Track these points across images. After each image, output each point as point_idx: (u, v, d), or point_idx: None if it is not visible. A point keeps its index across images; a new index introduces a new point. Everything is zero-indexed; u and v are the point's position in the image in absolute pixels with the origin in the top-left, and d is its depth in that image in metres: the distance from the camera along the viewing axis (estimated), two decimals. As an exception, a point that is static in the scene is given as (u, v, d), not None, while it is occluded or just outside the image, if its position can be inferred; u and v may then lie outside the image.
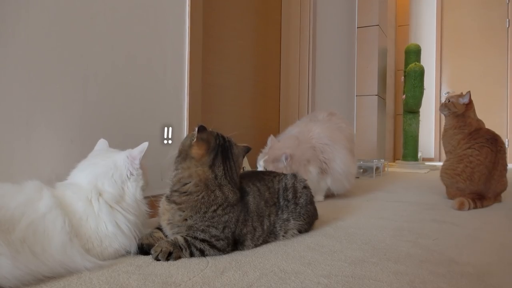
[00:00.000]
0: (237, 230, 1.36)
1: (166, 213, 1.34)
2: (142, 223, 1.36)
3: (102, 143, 1.44)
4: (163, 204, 1.37)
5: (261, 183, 1.53)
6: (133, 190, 1.34)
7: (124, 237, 1.26)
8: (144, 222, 1.38)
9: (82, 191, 1.24)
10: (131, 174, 1.35)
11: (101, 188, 1.27)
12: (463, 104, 2.77)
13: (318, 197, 2.64)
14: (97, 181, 1.27)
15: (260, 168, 2.39)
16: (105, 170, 1.31)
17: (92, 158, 1.36)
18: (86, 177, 1.28)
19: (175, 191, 1.34)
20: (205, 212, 1.30)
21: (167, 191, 1.38)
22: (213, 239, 1.30)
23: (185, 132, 2.15)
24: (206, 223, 1.30)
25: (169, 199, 1.35)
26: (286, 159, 2.33)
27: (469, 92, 2.77)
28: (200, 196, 1.31)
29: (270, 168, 2.32)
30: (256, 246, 1.42)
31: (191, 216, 1.30)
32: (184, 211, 1.31)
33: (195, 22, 2.23)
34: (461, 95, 2.81)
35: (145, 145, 1.38)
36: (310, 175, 2.48)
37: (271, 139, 2.51)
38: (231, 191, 1.36)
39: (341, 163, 2.65)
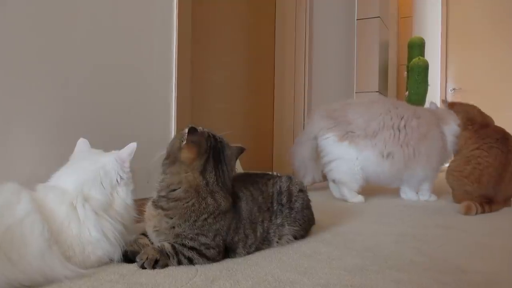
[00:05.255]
0: (228, 238, 1.36)
1: (152, 219, 1.33)
2: (128, 229, 1.36)
3: (83, 144, 1.43)
4: (149, 210, 1.36)
5: (254, 187, 1.53)
6: (123, 195, 1.34)
7: (109, 244, 1.26)
8: (130, 228, 1.38)
9: (66, 195, 1.24)
10: (121, 178, 1.35)
11: (87, 194, 1.26)
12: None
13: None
14: (83, 187, 1.27)
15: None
16: (93, 176, 1.30)
17: (78, 162, 1.35)
18: (72, 182, 1.27)
19: (163, 196, 1.33)
20: (195, 221, 1.29)
21: (153, 195, 1.37)
22: (202, 247, 1.29)
23: (172, 132, 2.15)
24: (196, 231, 1.29)
25: (156, 204, 1.34)
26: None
27: (443, 100, 3.02)
28: (190, 203, 1.30)
29: None
30: (248, 253, 1.42)
31: (180, 224, 1.29)
32: (171, 218, 1.30)
33: (184, 14, 2.22)
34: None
35: (133, 145, 1.38)
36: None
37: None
38: (223, 197, 1.36)
39: None
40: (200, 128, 1.38)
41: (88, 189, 1.27)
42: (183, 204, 1.30)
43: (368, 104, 2.97)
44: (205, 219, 1.31)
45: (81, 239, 1.21)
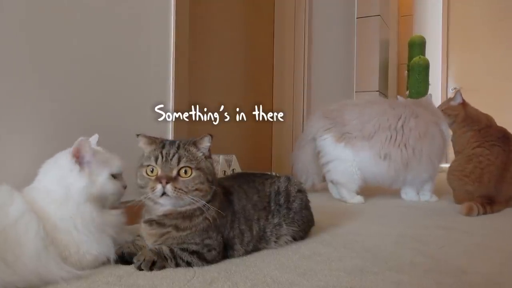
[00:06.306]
0: (226, 232, 1.36)
1: (151, 238, 1.31)
2: (113, 207, 1.35)
3: (93, 141, 1.41)
4: (145, 230, 1.32)
5: (249, 185, 1.54)
6: (101, 180, 1.30)
7: (101, 238, 1.25)
8: (116, 206, 1.37)
9: (50, 194, 1.23)
10: (88, 161, 1.30)
11: (66, 191, 1.24)
12: (459, 104, 2.85)
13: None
14: (55, 183, 1.25)
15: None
16: (55, 171, 1.29)
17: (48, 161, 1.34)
18: (47, 181, 1.27)
19: (179, 218, 1.31)
20: (208, 228, 1.31)
21: (151, 215, 1.32)
22: (205, 249, 1.29)
23: (170, 132, 2.14)
24: (203, 236, 1.30)
25: (159, 223, 1.30)
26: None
27: (458, 90, 2.89)
28: (212, 215, 1.32)
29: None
30: (246, 251, 1.42)
31: (187, 235, 1.29)
32: (179, 232, 1.29)
33: (181, 12, 2.22)
34: (450, 99, 2.91)
35: (94, 138, 1.41)
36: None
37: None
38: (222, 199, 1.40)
39: None
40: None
41: (62, 185, 1.25)
42: (204, 218, 1.31)
43: (364, 105, 2.96)
44: (214, 225, 1.33)
45: (74, 238, 1.20)
